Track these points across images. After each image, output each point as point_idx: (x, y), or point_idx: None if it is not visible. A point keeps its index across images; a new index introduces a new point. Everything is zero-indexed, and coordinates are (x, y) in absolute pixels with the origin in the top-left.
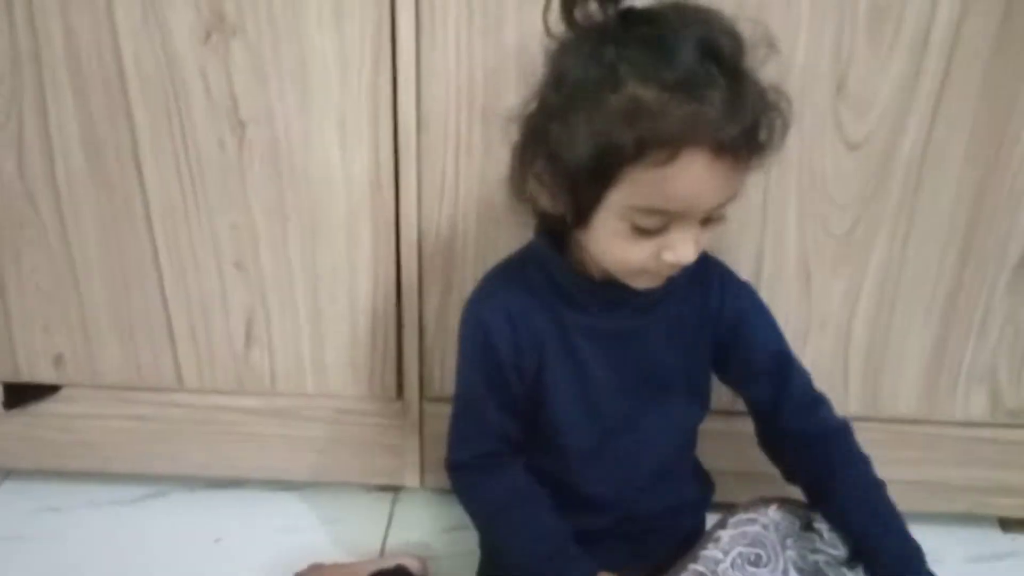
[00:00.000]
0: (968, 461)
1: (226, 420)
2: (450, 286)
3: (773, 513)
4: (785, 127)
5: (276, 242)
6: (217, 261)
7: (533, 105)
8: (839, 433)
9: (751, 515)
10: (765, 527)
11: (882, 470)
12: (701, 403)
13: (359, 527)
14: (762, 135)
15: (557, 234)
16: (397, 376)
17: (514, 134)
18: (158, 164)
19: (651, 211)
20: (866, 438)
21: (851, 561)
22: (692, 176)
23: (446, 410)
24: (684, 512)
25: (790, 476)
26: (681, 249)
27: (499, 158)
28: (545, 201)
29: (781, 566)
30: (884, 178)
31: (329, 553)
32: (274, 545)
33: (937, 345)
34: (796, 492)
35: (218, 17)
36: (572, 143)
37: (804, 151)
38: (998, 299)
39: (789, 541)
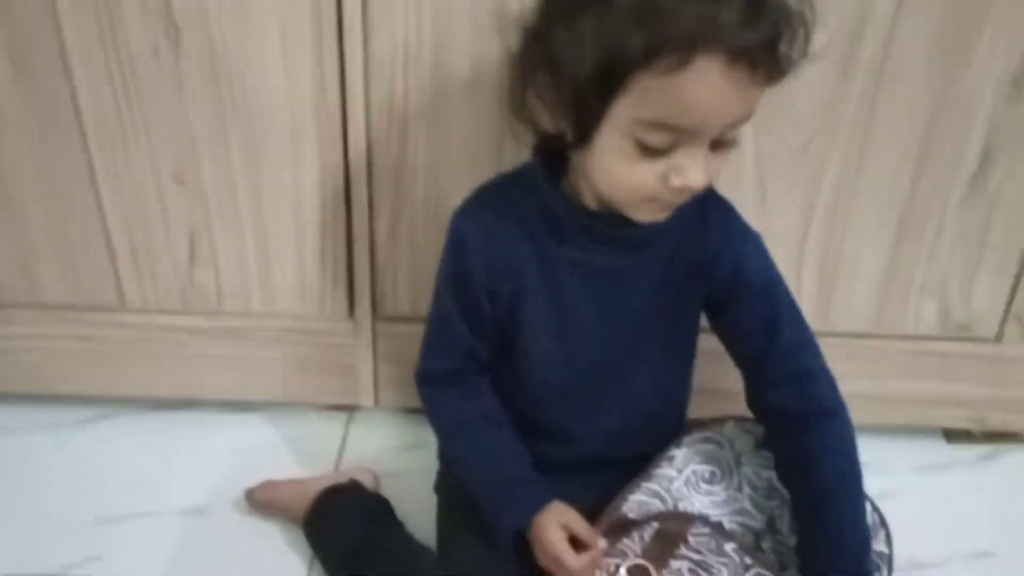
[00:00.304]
0: (915, 374)
1: (172, 340)
2: (402, 205)
3: (728, 430)
4: (808, 40)
5: (218, 155)
6: (156, 175)
7: (535, 9)
8: (824, 416)
9: (706, 433)
10: (720, 444)
11: None
12: (686, 358)
13: (313, 447)
14: (783, 46)
15: (555, 157)
16: (349, 295)
17: (513, 42)
18: (88, 73)
19: (659, 125)
20: None
21: None
22: (706, 85)
23: (400, 329)
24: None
25: (767, 445)
26: (691, 173)
27: (452, 68)
28: (545, 119)
29: (735, 482)
30: (842, 90)
31: (282, 473)
32: (226, 465)
33: (890, 260)
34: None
35: None
36: (578, 48)
37: None
38: (951, 214)
39: (744, 458)
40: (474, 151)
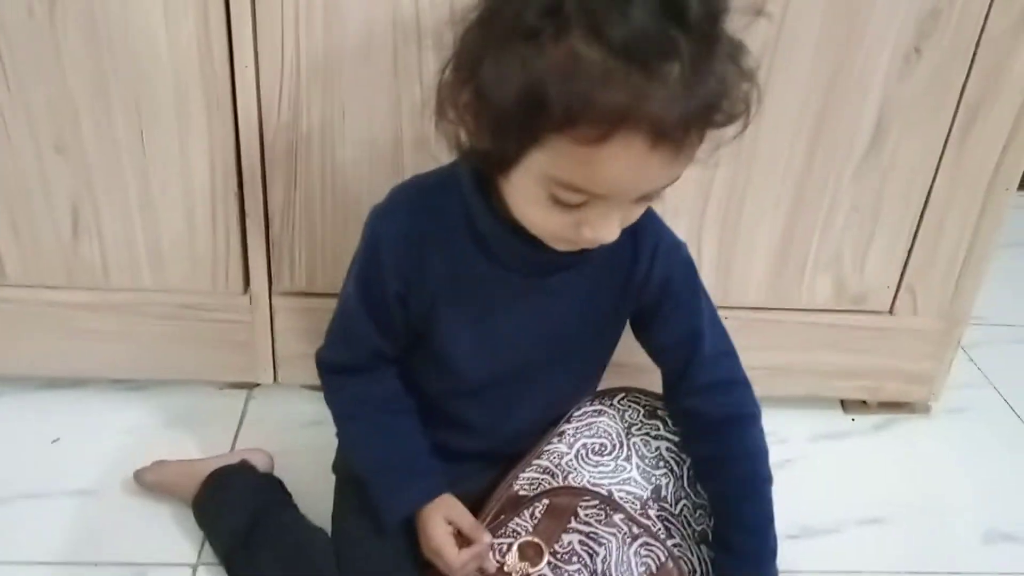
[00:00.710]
0: (811, 346)
1: (58, 316)
2: (295, 175)
3: (619, 403)
4: (753, 101)
5: (99, 122)
6: (35, 143)
7: (473, 19)
8: (742, 421)
9: (596, 407)
10: (612, 417)
11: None
12: (603, 363)
13: (209, 426)
14: (719, 117)
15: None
16: (243, 269)
17: (448, 45)
18: None
19: (572, 188)
20: None
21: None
22: (623, 163)
23: (298, 304)
24: None
25: (685, 448)
26: (602, 231)
27: (344, 33)
28: (466, 136)
29: (624, 454)
30: None
31: (176, 454)
32: (116, 445)
33: (785, 234)
34: (644, 383)
35: None
36: (501, 83)
37: None
38: (844, 187)
39: (634, 429)
40: (368, 119)
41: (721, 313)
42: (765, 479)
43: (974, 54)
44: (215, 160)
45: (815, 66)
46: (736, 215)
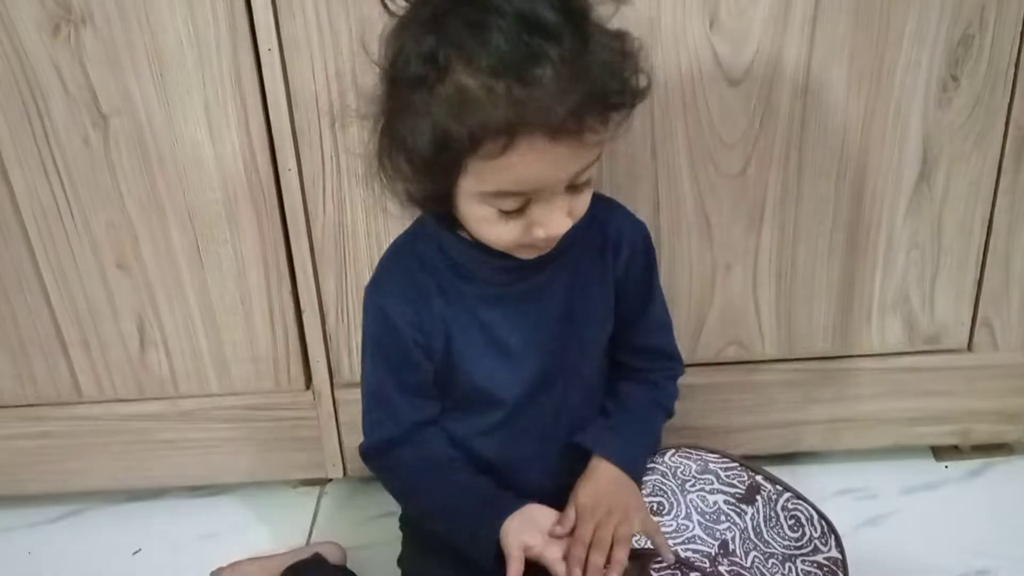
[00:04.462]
0: (890, 393)
1: (133, 428)
2: (345, 266)
3: (670, 460)
4: (642, 74)
5: (156, 237)
6: (99, 263)
7: (381, 90)
8: (666, 381)
9: (649, 465)
10: (664, 475)
11: (805, 411)
12: (610, 321)
13: (283, 525)
14: (615, 98)
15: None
16: (304, 365)
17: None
18: (24, 168)
19: (505, 195)
20: (786, 379)
21: (748, 497)
22: (532, 160)
23: (359, 394)
24: None
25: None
26: (551, 224)
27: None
28: (406, 188)
29: (683, 511)
30: (770, 112)
31: (253, 555)
32: (195, 552)
33: (844, 277)
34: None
35: (64, 8)
36: (414, 134)
37: (687, 92)
38: (900, 224)
39: (688, 485)
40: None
41: (788, 365)
42: (665, 408)
43: (1015, 75)
44: (268, 261)
45: (848, 106)
46: (790, 265)
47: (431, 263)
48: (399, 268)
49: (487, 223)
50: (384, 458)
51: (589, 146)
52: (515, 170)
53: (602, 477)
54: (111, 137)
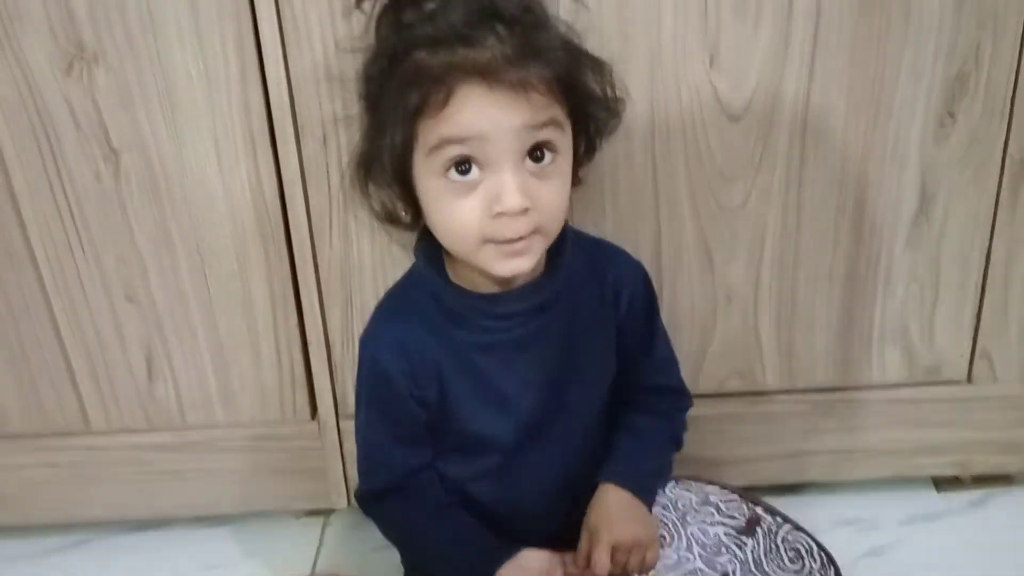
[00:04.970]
0: (891, 424)
1: (139, 459)
2: (350, 298)
3: (670, 492)
4: (607, 83)
5: (165, 270)
6: (108, 296)
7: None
8: (676, 415)
9: None
10: (665, 507)
11: (807, 442)
12: (605, 411)
13: (288, 555)
14: (557, 67)
15: (435, 251)
16: (309, 396)
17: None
18: (35, 202)
19: (448, 142)
20: (787, 410)
21: (748, 529)
22: (471, 106)
23: None
24: None
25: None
26: (505, 196)
27: None
28: (388, 204)
29: (684, 544)
30: (769, 147)
31: None
32: None
33: (844, 310)
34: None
35: (77, 46)
36: (381, 129)
37: (687, 127)
38: (898, 257)
39: (688, 517)
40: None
41: (789, 397)
42: (674, 437)
43: (1011, 111)
44: (275, 294)
45: (847, 140)
46: (790, 297)
47: (425, 311)
48: (393, 318)
49: (444, 202)
50: (379, 506)
51: (536, 107)
52: (456, 117)
53: (611, 501)
54: (122, 172)
